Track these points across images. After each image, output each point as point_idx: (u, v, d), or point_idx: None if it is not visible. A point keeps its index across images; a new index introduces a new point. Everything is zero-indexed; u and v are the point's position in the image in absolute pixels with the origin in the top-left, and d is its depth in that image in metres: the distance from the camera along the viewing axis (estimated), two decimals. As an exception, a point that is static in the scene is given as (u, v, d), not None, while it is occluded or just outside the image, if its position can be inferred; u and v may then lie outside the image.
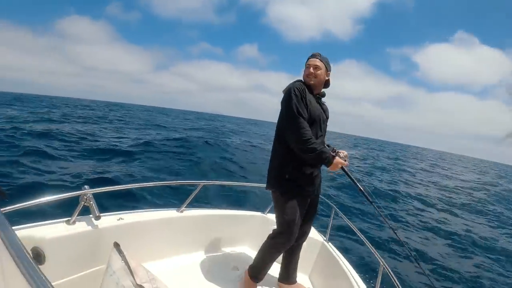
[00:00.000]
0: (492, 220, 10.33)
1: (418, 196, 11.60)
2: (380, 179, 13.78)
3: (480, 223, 9.55)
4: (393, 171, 18.18)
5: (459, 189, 16.15)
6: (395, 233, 2.26)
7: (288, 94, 2.01)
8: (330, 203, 2.88)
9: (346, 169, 2.11)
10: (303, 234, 2.26)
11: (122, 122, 24.35)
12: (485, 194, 16.15)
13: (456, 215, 10.04)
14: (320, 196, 2.81)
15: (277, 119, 2.11)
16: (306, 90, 2.06)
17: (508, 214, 11.70)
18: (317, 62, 2.14)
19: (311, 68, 2.13)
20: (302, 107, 1.97)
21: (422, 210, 9.77)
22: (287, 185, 2.02)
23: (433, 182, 17.06)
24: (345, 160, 2.08)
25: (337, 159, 2.01)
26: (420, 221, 8.39)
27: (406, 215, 8.75)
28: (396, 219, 8.03)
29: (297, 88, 2.00)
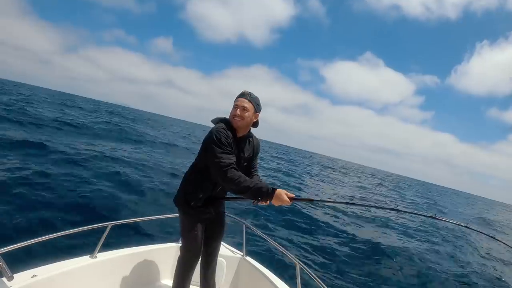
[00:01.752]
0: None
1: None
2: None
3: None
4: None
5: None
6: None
7: (210, 138, 1.99)
8: (241, 219, 3.12)
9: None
10: (213, 251, 2.39)
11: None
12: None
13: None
14: (231, 215, 3.03)
15: (199, 151, 2.13)
16: (229, 134, 2.02)
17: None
18: (246, 103, 2.06)
19: (239, 109, 2.05)
20: (226, 151, 1.96)
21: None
22: (190, 208, 2.13)
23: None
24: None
25: (279, 191, 1.93)
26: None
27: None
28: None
29: (220, 132, 1.98)
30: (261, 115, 2.20)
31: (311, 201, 2.15)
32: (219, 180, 2.01)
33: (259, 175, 2.35)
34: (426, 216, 2.10)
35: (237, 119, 2.06)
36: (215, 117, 2.17)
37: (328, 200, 2.39)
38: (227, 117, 2.14)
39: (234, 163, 1.98)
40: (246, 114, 2.06)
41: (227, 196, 2.34)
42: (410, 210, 2.15)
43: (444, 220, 2.05)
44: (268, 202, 1.96)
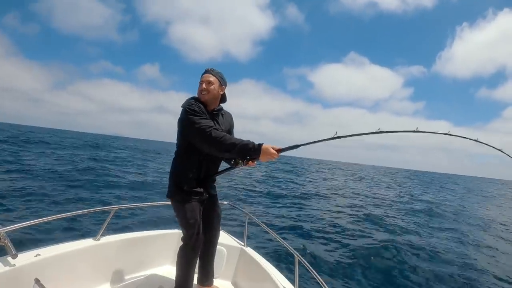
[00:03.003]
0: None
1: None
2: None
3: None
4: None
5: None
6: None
7: (185, 112, 2.05)
8: (243, 210, 3.14)
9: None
10: (212, 238, 2.39)
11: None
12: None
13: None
14: (233, 205, 3.04)
15: (176, 135, 2.16)
16: (201, 106, 2.09)
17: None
18: (210, 77, 2.16)
19: (204, 84, 2.15)
20: (203, 117, 2.03)
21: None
22: (184, 193, 2.12)
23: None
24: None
25: (265, 145, 1.94)
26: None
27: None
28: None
29: (192, 104, 2.06)
30: (255, 129, 2.20)
31: (296, 146, 2.10)
32: (204, 145, 2.01)
33: None
34: (408, 131, 2.09)
35: (204, 93, 2.14)
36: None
37: (312, 141, 2.25)
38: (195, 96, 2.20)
39: (214, 126, 2.02)
40: (212, 87, 2.15)
41: (218, 170, 2.31)
42: (392, 130, 2.07)
43: (427, 132, 2.05)
44: (255, 161, 2.00)
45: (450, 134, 2.03)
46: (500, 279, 5.88)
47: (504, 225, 12.04)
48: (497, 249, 8.09)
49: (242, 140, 1.95)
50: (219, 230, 2.52)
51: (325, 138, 2.06)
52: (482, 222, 12.05)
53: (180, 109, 2.13)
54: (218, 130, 2.01)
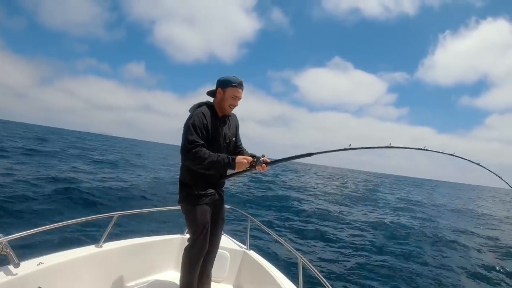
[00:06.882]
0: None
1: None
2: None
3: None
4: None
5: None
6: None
7: (187, 124, 2.09)
8: (245, 213, 3.13)
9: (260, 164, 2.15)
10: (215, 238, 2.37)
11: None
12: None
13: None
14: (236, 208, 3.04)
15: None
16: (209, 114, 2.14)
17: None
18: (242, 94, 2.23)
19: (238, 100, 2.21)
20: (199, 134, 2.06)
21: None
22: (195, 197, 2.16)
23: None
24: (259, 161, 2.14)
25: (238, 157, 2.10)
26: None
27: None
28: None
29: (197, 117, 2.09)
30: (241, 131, 2.45)
31: (288, 159, 2.25)
32: (188, 161, 2.07)
33: (243, 148, 2.45)
34: (416, 148, 2.17)
35: (233, 107, 2.24)
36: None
37: (287, 157, 2.23)
38: (203, 101, 2.25)
39: (202, 144, 2.06)
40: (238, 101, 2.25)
41: (229, 174, 2.35)
42: (402, 145, 2.15)
43: (434, 151, 2.14)
44: (268, 166, 2.16)
45: (426, 149, 2.13)
46: None
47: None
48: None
49: (219, 156, 2.06)
50: (222, 230, 2.50)
51: (301, 154, 2.21)
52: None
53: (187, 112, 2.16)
54: (205, 149, 2.05)
